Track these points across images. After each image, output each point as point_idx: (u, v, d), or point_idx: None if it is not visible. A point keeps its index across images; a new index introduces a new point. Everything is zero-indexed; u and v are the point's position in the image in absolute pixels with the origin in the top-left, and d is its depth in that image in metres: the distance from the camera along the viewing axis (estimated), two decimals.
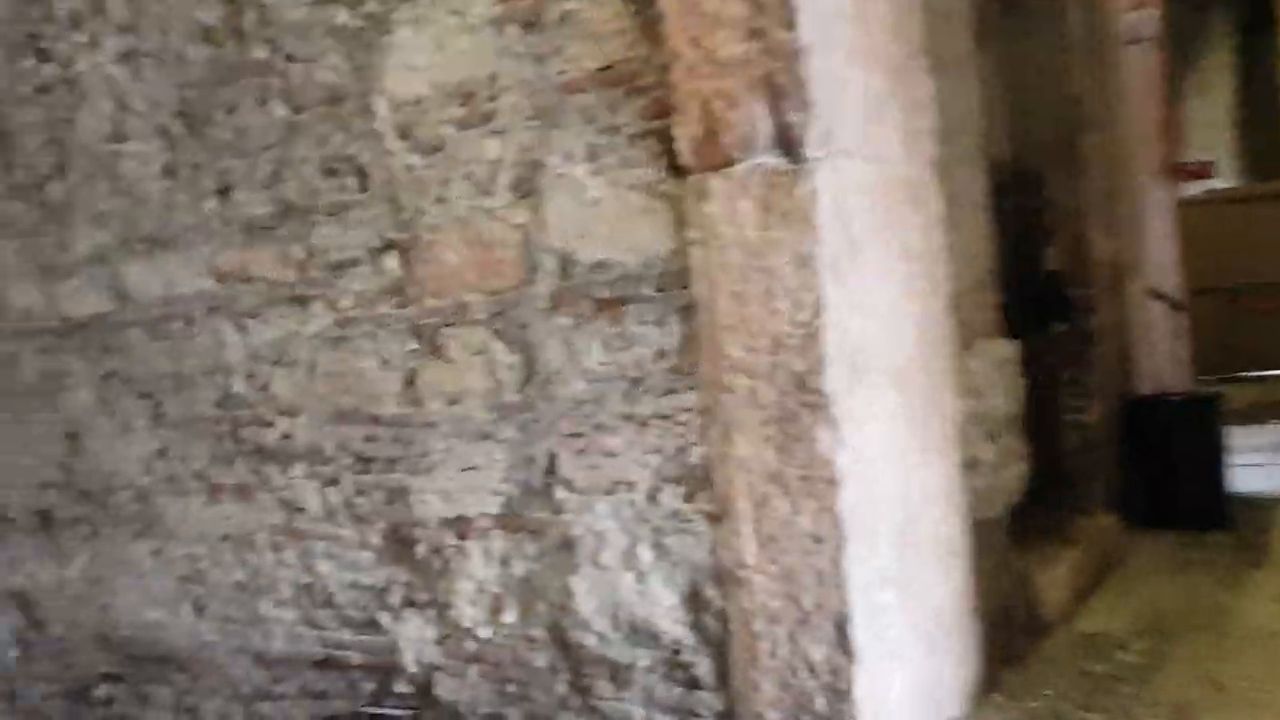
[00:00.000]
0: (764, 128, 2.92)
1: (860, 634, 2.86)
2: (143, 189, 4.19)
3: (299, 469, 3.83)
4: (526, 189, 3.31)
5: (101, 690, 4.40)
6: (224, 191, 3.97)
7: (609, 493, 3.18)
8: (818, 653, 2.87)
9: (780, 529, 2.90)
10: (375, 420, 3.63)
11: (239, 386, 3.95)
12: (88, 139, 4.32)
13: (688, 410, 3.05)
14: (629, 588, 3.15)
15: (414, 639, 3.57)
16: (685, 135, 3.01)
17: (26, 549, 4.62)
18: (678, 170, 3.04)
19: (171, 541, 4.16)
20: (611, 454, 3.18)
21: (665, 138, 3.06)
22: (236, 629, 4.03)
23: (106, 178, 4.28)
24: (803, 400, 2.86)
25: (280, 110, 3.85)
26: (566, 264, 3.25)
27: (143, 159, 4.18)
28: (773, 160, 2.90)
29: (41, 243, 4.48)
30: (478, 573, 3.43)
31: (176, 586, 4.17)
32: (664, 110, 3.06)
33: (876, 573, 2.95)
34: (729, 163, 2.95)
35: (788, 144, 2.90)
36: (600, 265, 3.19)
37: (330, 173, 3.74)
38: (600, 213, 3.18)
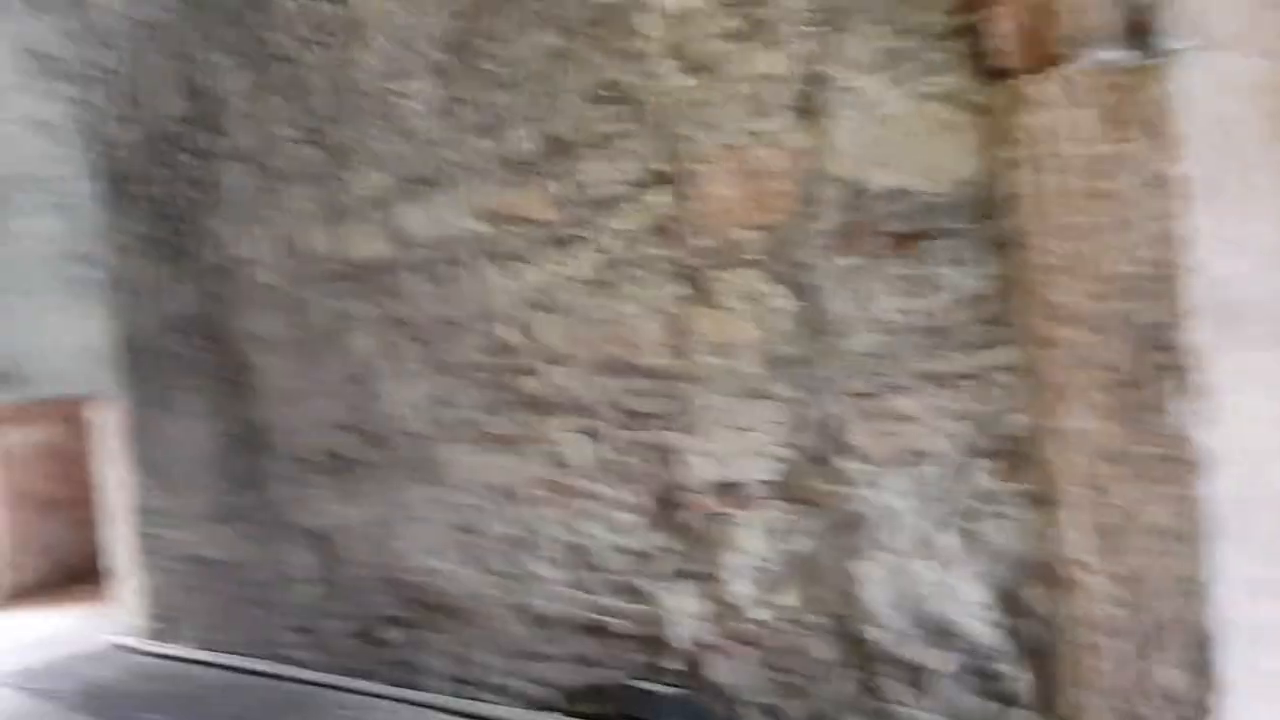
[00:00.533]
0: (1107, 13, 2.37)
1: (1228, 658, 2.33)
2: (416, 128, 4.23)
3: (563, 420, 3.73)
4: (807, 108, 2.91)
5: (386, 632, 4.65)
6: (492, 128, 3.90)
7: (903, 465, 2.78)
8: (1169, 677, 2.36)
9: (1124, 520, 2.38)
10: (639, 372, 3.44)
11: (505, 332, 3.91)
12: (366, 79, 4.42)
13: (1003, 369, 2.57)
14: (927, 579, 2.75)
15: (682, 612, 3.39)
16: (1002, 30, 2.49)
17: (323, 490, 4.94)
18: (992, 74, 2.52)
19: (446, 488, 4.25)
20: (907, 419, 2.78)
21: (976, 36, 2.56)
22: (508, 584, 4.07)
23: (383, 118, 4.36)
24: (1156, 360, 2.32)
25: (548, 37, 3.71)
26: (853, 194, 2.83)
27: (416, 96, 4.22)
28: (1119, 55, 2.35)
29: (328, 186, 4.68)
30: (751, 546, 3.17)
31: (451, 535, 4.27)
32: (974, 1, 2.58)
33: (1253, 582, 2.38)
34: (1060, 60, 2.40)
35: (1140, 33, 2.32)
36: (894, 194, 2.74)
37: (597, 101, 3.54)
38: (895, 132, 2.72)
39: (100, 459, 7.27)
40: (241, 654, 5.73)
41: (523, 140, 3.79)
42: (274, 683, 5.18)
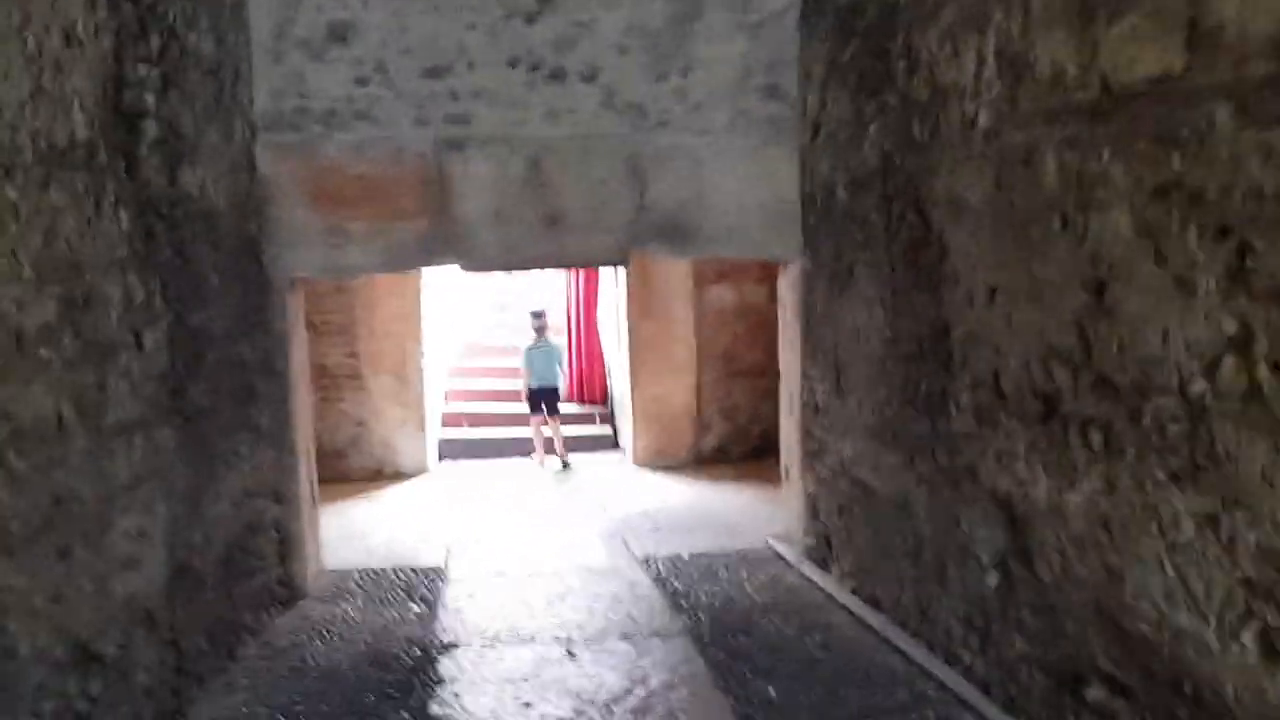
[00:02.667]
0: None
1: None
2: None
3: None
4: None
5: (1093, 691, 3.04)
6: None
7: None
8: None
9: None
10: None
11: None
12: None
13: None
14: None
15: None
16: None
17: (1024, 446, 3.42)
18: None
19: (1233, 506, 2.46)
20: None
21: None
22: None
23: None
24: None
25: None
26: None
27: None
28: None
29: None
30: None
31: (1220, 580, 2.50)
32: None
33: None
34: None
35: None
36: None
37: None
38: None
39: (781, 332, 6.59)
40: (894, 621, 4.59)
41: None
42: (925, 685, 3.93)
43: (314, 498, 5.82)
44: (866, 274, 4.76)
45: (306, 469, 5.66)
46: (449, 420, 10.60)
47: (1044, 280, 3.20)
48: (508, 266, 5.79)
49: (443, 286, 11.08)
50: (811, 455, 5.78)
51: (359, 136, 5.31)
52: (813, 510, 5.77)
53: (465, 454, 9.99)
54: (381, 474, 8.86)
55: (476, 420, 10.74)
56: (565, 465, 9.58)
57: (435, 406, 10.08)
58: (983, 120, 3.56)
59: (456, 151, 5.39)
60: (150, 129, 3.71)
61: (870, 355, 4.75)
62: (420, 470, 9.00)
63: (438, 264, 5.61)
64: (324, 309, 8.70)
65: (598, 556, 6.30)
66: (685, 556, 6.17)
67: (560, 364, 10.05)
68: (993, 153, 3.50)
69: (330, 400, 8.78)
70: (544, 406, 9.80)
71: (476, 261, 5.52)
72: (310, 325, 8.99)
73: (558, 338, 10.71)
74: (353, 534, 6.89)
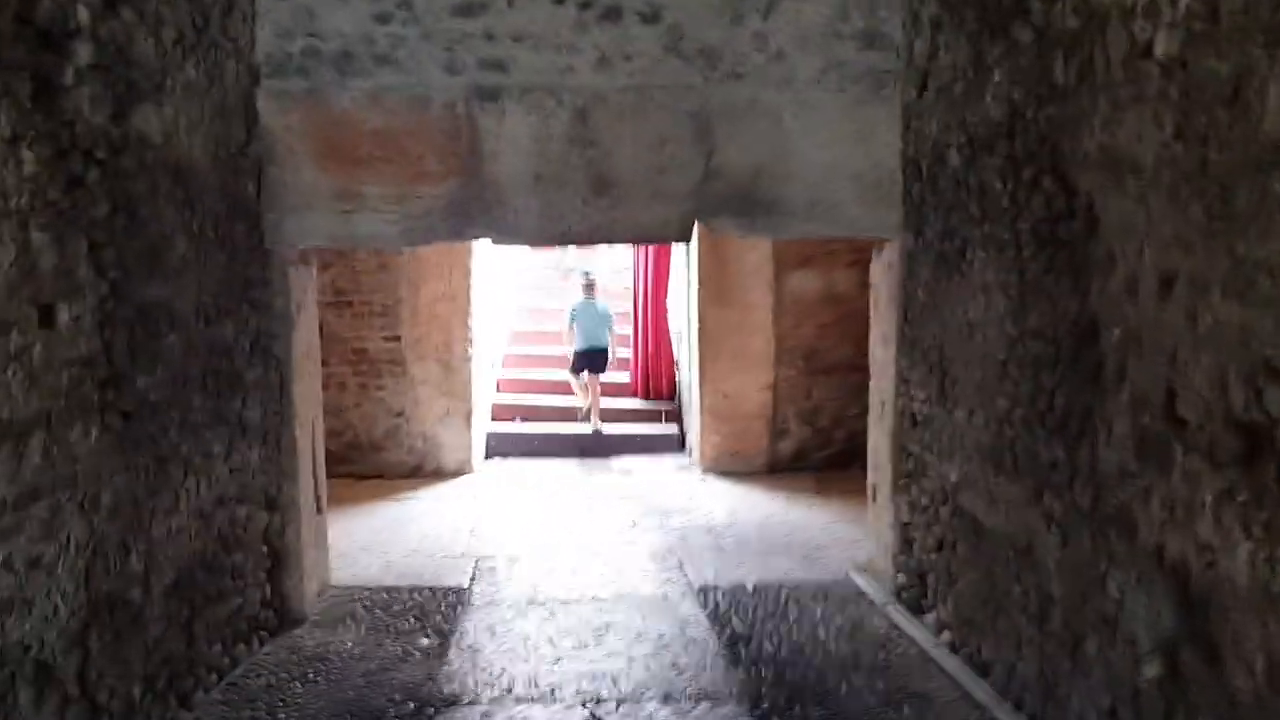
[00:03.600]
0: None
1: None
2: None
3: None
4: None
5: None
6: None
7: None
8: None
9: None
10: None
11: None
12: None
13: None
14: None
15: None
16: None
17: (1202, 489, 2.51)
18: None
19: None
20: None
21: None
22: None
23: None
24: None
25: None
26: None
27: None
28: None
29: None
30: None
31: None
32: None
33: None
34: None
35: None
36: None
37: None
38: None
39: (873, 325, 5.71)
40: (1007, 695, 3.71)
41: None
42: None
43: (320, 503, 5.13)
44: (984, 255, 3.87)
45: (310, 470, 4.97)
46: (499, 413, 9.86)
47: (1254, 264, 2.30)
48: (547, 240, 5.00)
49: (497, 263, 10.35)
50: (906, 475, 4.90)
51: (377, 84, 4.56)
52: (905, 541, 4.90)
53: (517, 449, 9.25)
54: (421, 471, 8.18)
55: (530, 414, 9.97)
56: (596, 431, 9.61)
57: (484, 397, 9.36)
58: (1162, 46, 2.66)
59: (491, 103, 4.62)
60: (81, 51, 3.00)
61: (987, 357, 3.86)
62: (463, 469, 8.30)
63: (468, 236, 4.86)
64: (364, 289, 8.06)
65: (647, 582, 5.52)
66: (750, 587, 5.35)
67: (610, 326, 9.90)
68: (1176, 90, 2.60)
69: (369, 388, 8.13)
70: (589, 369, 9.73)
71: (510, 234, 4.75)
72: (348, 305, 8.39)
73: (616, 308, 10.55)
74: (374, 543, 6.20)
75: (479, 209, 4.66)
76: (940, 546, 4.45)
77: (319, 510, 5.14)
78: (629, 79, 4.67)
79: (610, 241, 5.39)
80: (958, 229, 4.14)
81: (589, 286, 9.96)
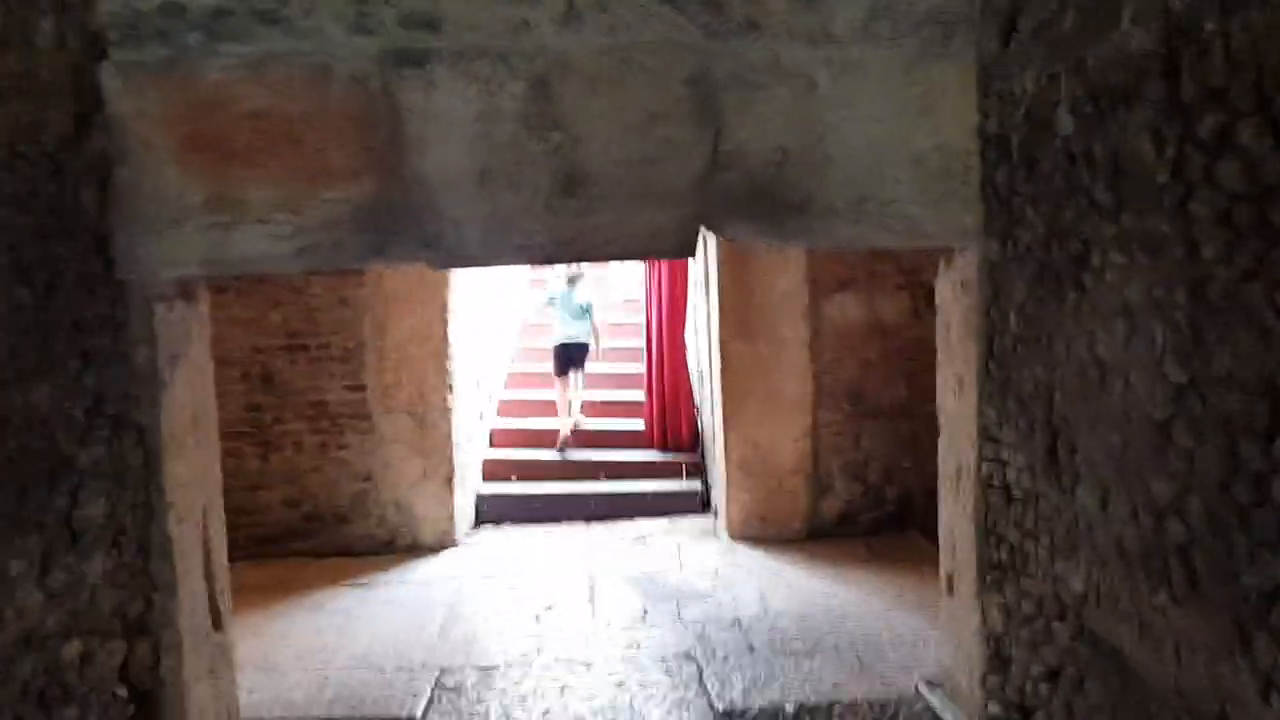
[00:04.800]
0: None
1: None
2: None
3: None
4: None
5: None
6: None
7: None
8: None
9: None
10: None
11: None
12: None
13: None
14: None
15: None
16: None
17: None
18: None
19: None
20: None
21: None
22: None
23: None
24: None
25: None
26: None
27: None
28: None
29: None
30: None
31: None
32: None
33: None
34: None
35: None
36: None
37: None
38: None
39: (941, 363, 4.47)
40: None
41: None
42: None
43: (218, 617, 3.96)
44: (1123, 262, 2.66)
45: (200, 575, 3.81)
46: (494, 471, 8.66)
47: None
48: (496, 260, 3.77)
49: (485, 284, 9.22)
50: (995, 567, 3.67)
51: (260, 49, 3.41)
52: (999, 659, 3.66)
53: (513, 515, 8.06)
54: (394, 546, 7.00)
55: (529, 472, 8.75)
56: (575, 429, 9.52)
57: (472, 454, 8.18)
58: None
59: (416, 72, 3.45)
60: None
61: (1132, 415, 2.64)
62: (444, 542, 7.10)
63: (391, 257, 3.67)
64: (322, 329, 6.94)
65: (655, 705, 4.31)
66: (790, 709, 4.13)
67: (591, 318, 10.07)
68: None
69: (329, 448, 6.98)
70: (570, 367, 9.77)
71: (447, 252, 3.57)
72: (303, 350, 7.24)
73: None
74: (313, 649, 5.03)
75: (404, 219, 3.50)
76: (1054, 676, 3.22)
77: (216, 626, 3.96)
78: (606, 36, 3.48)
79: (584, 259, 4.22)
80: (1074, 226, 2.93)
81: (572, 280, 10.04)
